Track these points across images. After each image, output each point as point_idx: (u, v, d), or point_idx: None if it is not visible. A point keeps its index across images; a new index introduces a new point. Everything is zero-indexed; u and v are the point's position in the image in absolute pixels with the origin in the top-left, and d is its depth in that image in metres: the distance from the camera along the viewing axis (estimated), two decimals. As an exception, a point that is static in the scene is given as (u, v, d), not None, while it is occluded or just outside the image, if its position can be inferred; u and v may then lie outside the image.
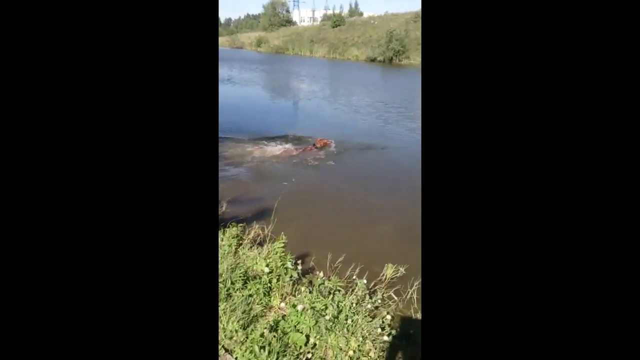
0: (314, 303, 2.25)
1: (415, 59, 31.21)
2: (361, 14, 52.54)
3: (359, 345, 2.00)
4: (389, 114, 8.63)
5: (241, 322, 2.04)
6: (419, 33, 33.71)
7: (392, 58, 30.75)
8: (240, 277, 2.40)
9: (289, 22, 52.80)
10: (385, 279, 2.80)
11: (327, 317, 2.15)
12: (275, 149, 5.91)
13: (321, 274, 2.66)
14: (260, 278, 2.42)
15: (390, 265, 2.82)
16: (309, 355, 1.94)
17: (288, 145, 6.04)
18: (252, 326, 2.06)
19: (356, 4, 66.88)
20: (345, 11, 61.11)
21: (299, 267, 2.65)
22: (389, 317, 2.29)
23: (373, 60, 32.12)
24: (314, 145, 5.98)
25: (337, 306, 2.26)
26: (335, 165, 5.46)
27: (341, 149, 6.09)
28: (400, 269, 2.78)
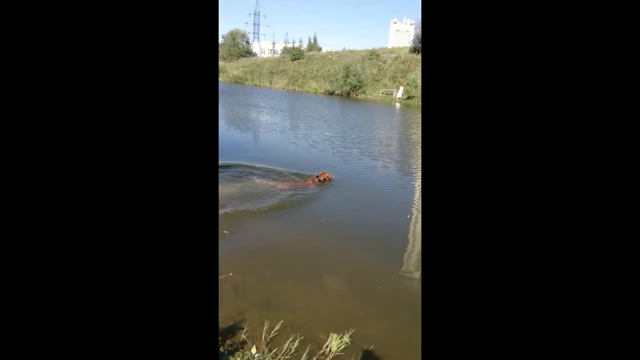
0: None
1: (371, 93, 32.57)
2: (320, 49, 54.68)
3: None
4: (347, 150, 8.53)
5: None
6: (374, 70, 35.52)
7: (349, 92, 31.83)
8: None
9: (249, 53, 53.41)
10: (329, 351, 2.44)
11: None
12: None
13: (253, 350, 2.24)
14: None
15: (334, 335, 2.47)
16: None
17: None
18: None
19: (315, 39, 69.47)
20: (305, 45, 63.27)
21: (227, 342, 2.22)
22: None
23: (331, 93, 33.05)
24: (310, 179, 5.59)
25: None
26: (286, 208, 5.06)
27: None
28: (345, 338, 2.45)
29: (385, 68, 36.08)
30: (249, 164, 6.22)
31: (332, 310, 2.77)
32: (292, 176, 5.74)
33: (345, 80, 31.70)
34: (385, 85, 33.93)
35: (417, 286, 3.07)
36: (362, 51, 40.98)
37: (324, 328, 2.52)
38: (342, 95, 31.88)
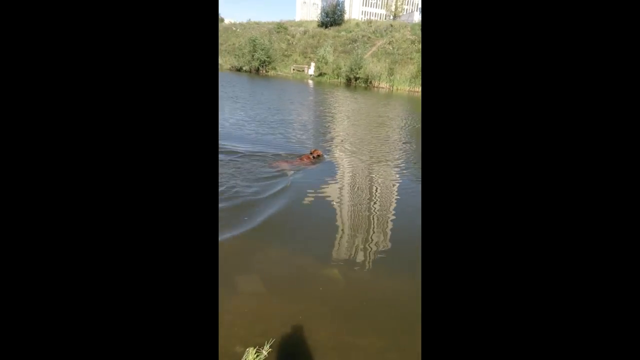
0: None
1: (282, 70, 31.01)
2: (222, 20, 49.98)
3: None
4: (271, 136, 7.10)
5: None
6: (283, 44, 33.81)
7: (258, 68, 29.80)
8: None
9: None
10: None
11: None
12: None
13: None
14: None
15: (251, 349, 1.82)
16: None
17: None
18: None
19: (216, 10, 63.21)
20: (205, 15, 57.10)
21: None
22: None
23: (239, 69, 30.54)
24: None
25: None
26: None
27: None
28: (264, 350, 1.80)
29: (294, 42, 34.61)
30: (234, 149, 5.63)
31: (251, 317, 2.13)
32: (287, 156, 5.55)
33: (252, 55, 29.48)
34: (295, 61, 32.62)
35: (338, 276, 2.56)
36: (268, 23, 38.67)
37: (239, 339, 1.93)
38: (250, 71, 29.65)
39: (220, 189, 3.92)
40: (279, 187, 4.12)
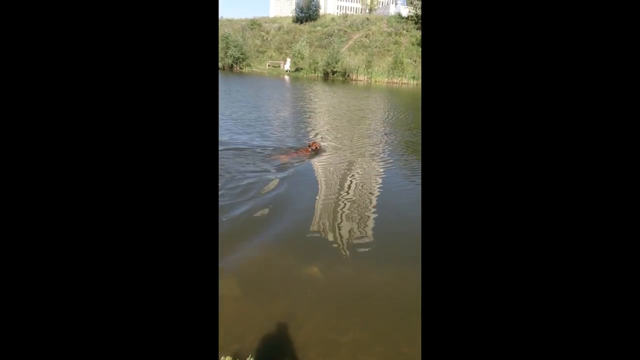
0: None
1: (257, 66, 30.28)
2: (193, 18, 48.42)
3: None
4: (247, 135, 6.53)
5: None
6: (257, 40, 33.05)
7: (232, 65, 28.96)
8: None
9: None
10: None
11: None
12: None
13: None
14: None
15: (228, 358, 1.57)
16: None
17: None
18: None
19: (187, 7, 61.54)
20: (175, 13, 55.63)
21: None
22: None
23: (212, 67, 29.60)
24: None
25: None
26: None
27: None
28: None
29: (269, 39, 33.83)
30: (233, 147, 5.44)
31: (227, 323, 1.88)
32: (288, 149, 5.54)
33: (225, 52, 28.58)
34: (271, 57, 31.89)
35: (318, 274, 2.38)
36: (242, 20, 37.68)
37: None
38: (224, 68, 28.75)
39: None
40: (260, 186, 3.73)
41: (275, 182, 3.98)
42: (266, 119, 8.11)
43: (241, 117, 8.01)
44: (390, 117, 9.47)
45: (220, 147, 5.04)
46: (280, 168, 4.54)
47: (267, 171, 4.39)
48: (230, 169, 4.30)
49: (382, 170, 4.75)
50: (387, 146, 6.05)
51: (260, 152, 5.25)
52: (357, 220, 3.20)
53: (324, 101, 12.90)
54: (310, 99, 13.25)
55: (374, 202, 3.70)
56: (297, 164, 4.78)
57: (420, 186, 4.24)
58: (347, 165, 4.85)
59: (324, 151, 5.60)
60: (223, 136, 6.00)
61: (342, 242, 2.79)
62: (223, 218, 2.99)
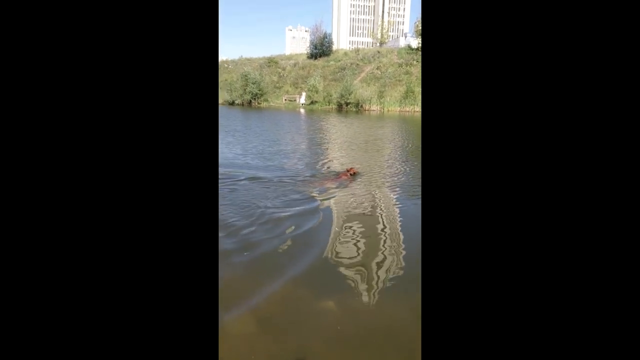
0: None
1: (274, 100, 31.58)
2: (213, 58, 51.38)
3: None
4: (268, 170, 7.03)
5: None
6: (274, 77, 34.66)
7: (250, 101, 30.32)
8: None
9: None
10: None
11: None
12: None
13: None
14: None
15: None
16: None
17: None
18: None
19: (207, 49, 65.25)
20: (196, 55, 59.00)
21: None
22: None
23: (231, 103, 31.08)
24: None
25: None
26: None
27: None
28: None
29: (285, 75, 35.50)
30: (274, 176, 5.80)
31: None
32: (328, 175, 5.95)
33: (245, 89, 30.09)
34: (287, 92, 33.29)
35: (334, 308, 2.27)
36: (260, 59, 39.78)
37: None
38: (243, 104, 30.14)
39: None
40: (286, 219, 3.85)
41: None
42: (284, 152, 8.58)
43: (263, 151, 8.53)
44: (405, 146, 9.80)
45: (259, 178, 5.58)
46: (324, 192, 4.89)
47: (312, 196, 4.69)
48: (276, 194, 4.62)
49: (402, 201, 4.78)
50: (406, 176, 6.17)
51: (303, 178, 5.66)
52: (375, 253, 3.12)
53: (339, 132, 13.41)
54: (327, 130, 13.83)
55: (399, 235, 3.61)
56: (336, 189, 5.12)
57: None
58: (369, 198, 4.90)
59: (361, 175, 5.95)
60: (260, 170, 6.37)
61: (363, 276, 2.72)
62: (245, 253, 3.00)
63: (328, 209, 4.23)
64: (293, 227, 3.57)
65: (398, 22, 62.61)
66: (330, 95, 28.62)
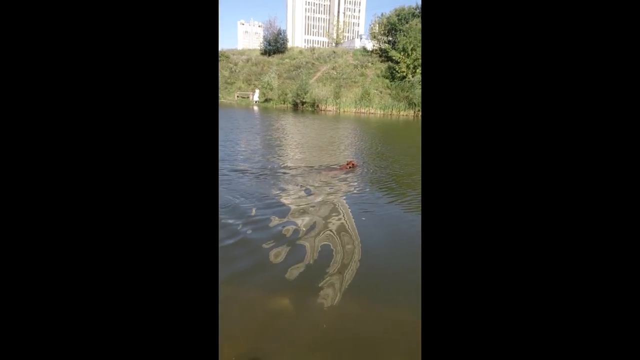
0: None
1: (225, 97, 30.06)
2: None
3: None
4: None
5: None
6: (225, 72, 33.02)
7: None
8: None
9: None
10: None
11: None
12: None
13: None
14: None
15: None
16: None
17: None
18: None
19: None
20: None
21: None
22: None
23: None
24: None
25: None
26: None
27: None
28: None
29: (237, 70, 33.93)
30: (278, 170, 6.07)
31: None
32: (331, 167, 6.26)
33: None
34: (239, 88, 31.85)
35: (290, 307, 2.24)
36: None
37: None
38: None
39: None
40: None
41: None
42: (235, 153, 7.72)
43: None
44: (362, 148, 9.39)
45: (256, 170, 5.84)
46: (326, 183, 5.25)
47: (313, 186, 5.07)
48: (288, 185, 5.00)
49: (363, 204, 4.50)
50: (360, 177, 5.85)
51: (310, 170, 6.02)
52: (332, 256, 2.94)
53: (294, 132, 12.72)
54: (282, 129, 13.05)
55: (349, 230, 3.43)
56: (337, 180, 5.47)
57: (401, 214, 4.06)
58: (319, 196, 4.54)
59: (360, 167, 6.30)
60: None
61: (315, 276, 2.59)
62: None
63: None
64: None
65: (353, 23, 63.32)
66: (286, 94, 27.81)
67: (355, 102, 26.47)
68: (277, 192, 4.76)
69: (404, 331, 2.05)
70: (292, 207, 4.13)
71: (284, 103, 27.69)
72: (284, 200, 4.38)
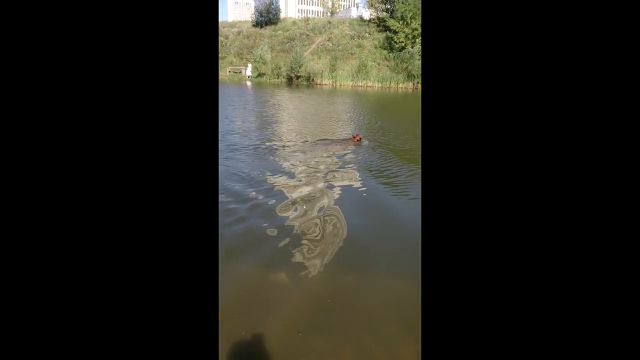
0: None
1: (217, 72, 29.06)
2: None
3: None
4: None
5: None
6: (216, 45, 31.74)
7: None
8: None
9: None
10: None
11: None
12: None
13: None
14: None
15: None
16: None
17: None
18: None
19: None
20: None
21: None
22: None
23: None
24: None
25: None
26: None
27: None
28: None
29: (228, 44, 32.55)
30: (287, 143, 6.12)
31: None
32: (339, 140, 6.35)
33: (183, 58, 27.09)
34: (231, 63, 30.67)
35: (286, 281, 2.19)
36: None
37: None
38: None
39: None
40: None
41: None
42: (230, 131, 7.21)
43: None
44: (362, 123, 8.89)
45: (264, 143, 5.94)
46: (338, 154, 5.35)
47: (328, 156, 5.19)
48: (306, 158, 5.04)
49: (354, 177, 4.28)
50: (359, 153, 5.58)
51: (322, 143, 6.10)
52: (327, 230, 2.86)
53: (290, 107, 12.09)
54: (277, 106, 12.40)
55: (342, 208, 3.17)
56: (346, 152, 5.50)
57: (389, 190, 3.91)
58: (318, 175, 4.23)
59: (365, 142, 6.26)
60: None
61: (310, 249, 2.53)
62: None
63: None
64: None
65: (348, -8, 60.75)
66: (279, 68, 26.80)
67: (352, 75, 25.57)
68: (285, 166, 4.68)
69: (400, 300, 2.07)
70: (297, 182, 4.02)
71: (278, 77, 26.74)
72: (288, 178, 4.22)
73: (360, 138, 6.27)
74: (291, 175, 4.22)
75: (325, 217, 3.03)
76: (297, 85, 24.17)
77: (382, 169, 4.76)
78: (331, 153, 5.43)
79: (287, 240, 2.64)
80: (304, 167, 4.61)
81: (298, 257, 2.42)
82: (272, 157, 5.07)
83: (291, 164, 4.74)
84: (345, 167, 4.72)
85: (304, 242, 2.62)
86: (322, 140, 6.34)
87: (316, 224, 2.92)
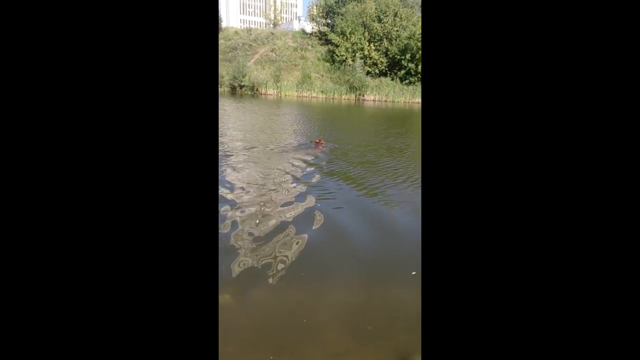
0: None
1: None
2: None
3: None
4: None
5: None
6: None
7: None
8: None
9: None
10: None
11: None
12: None
13: None
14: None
15: None
16: None
17: None
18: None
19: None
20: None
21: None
22: None
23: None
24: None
25: None
26: None
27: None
28: None
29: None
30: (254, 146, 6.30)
31: None
32: (298, 147, 6.66)
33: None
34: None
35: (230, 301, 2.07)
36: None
37: None
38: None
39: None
40: None
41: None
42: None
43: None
44: (308, 132, 9.06)
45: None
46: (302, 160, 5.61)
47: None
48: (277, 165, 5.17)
49: (301, 184, 4.25)
50: (312, 161, 5.67)
51: (285, 150, 6.27)
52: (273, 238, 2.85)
53: (236, 118, 11.89)
54: (221, 117, 12.13)
55: (291, 213, 3.16)
56: (309, 157, 5.82)
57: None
58: (266, 183, 4.17)
59: (327, 145, 6.79)
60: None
61: (259, 263, 2.47)
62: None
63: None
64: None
65: (291, 3, 61.63)
66: (222, 77, 26.24)
67: (297, 85, 25.89)
68: (246, 174, 4.71)
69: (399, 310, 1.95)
70: (262, 190, 4.06)
71: (221, 87, 26.14)
72: (255, 183, 4.30)
73: (322, 143, 6.83)
74: (246, 187, 4.15)
75: (282, 233, 2.98)
76: (241, 95, 23.82)
77: (360, 179, 4.86)
78: (295, 159, 5.59)
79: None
80: (261, 177, 4.61)
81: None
82: (225, 168, 4.98)
83: (250, 174, 4.72)
84: (309, 175, 4.80)
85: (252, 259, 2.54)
86: (283, 147, 6.55)
87: (275, 241, 2.88)
